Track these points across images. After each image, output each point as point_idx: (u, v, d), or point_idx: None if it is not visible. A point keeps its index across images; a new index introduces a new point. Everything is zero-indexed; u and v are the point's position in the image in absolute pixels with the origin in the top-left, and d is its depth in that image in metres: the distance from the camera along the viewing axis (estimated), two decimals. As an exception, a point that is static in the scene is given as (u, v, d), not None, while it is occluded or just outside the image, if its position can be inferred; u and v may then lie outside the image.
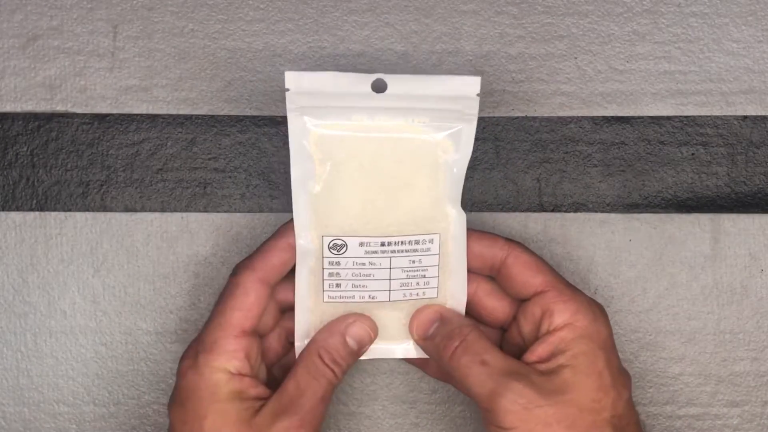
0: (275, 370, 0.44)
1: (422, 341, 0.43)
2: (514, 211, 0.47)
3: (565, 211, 0.47)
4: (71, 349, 0.47)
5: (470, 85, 0.40)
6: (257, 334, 0.42)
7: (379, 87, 0.40)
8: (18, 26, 0.47)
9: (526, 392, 0.38)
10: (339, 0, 0.47)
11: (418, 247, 0.42)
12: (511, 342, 0.43)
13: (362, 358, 0.43)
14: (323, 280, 0.42)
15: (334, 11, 0.47)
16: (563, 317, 0.40)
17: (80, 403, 0.47)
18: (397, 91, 0.40)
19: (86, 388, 0.47)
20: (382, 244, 0.42)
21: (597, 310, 0.41)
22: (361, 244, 0.42)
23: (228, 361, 0.40)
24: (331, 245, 0.42)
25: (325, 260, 0.42)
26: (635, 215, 0.47)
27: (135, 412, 0.47)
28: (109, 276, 0.47)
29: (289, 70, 0.39)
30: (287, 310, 0.44)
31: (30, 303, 0.47)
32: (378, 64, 0.47)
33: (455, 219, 0.42)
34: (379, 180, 0.41)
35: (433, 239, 0.42)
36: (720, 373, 0.47)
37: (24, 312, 0.47)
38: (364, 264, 0.42)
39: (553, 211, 0.47)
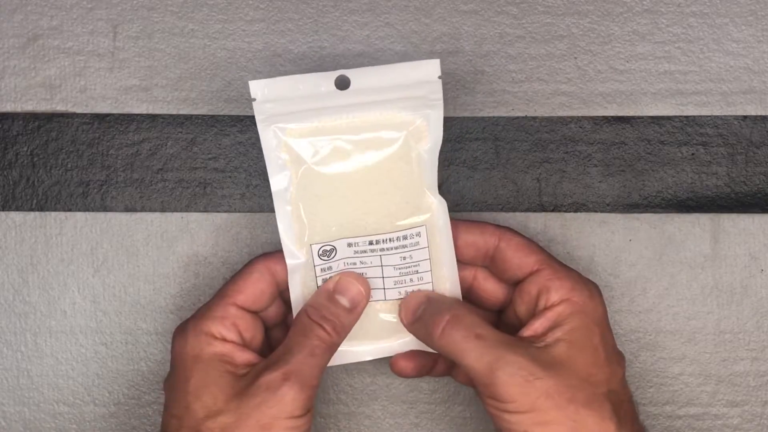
0: None
1: (411, 326, 0.43)
2: (514, 211, 0.47)
3: (565, 211, 0.47)
4: (71, 349, 0.47)
5: (431, 69, 0.40)
6: (256, 315, 0.42)
7: (343, 83, 0.40)
8: (18, 26, 0.47)
9: (525, 364, 0.38)
10: (339, 0, 0.47)
11: (407, 242, 0.42)
12: (506, 324, 0.43)
13: (366, 359, 0.43)
14: (317, 287, 0.42)
15: (334, 11, 0.47)
16: (559, 294, 0.40)
17: (80, 403, 0.47)
18: (361, 85, 0.40)
19: (86, 388, 0.47)
20: (371, 243, 0.42)
21: (593, 287, 0.41)
22: (350, 245, 0.42)
23: (213, 325, 0.40)
24: (320, 252, 0.42)
25: (317, 268, 0.42)
26: (635, 215, 0.47)
27: (135, 412, 0.47)
28: (109, 276, 0.47)
29: (254, 79, 0.39)
30: None
31: (30, 303, 0.47)
32: (378, 64, 0.46)
33: (437, 207, 0.42)
34: (356, 179, 0.41)
35: (420, 232, 0.42)
36: (720, 373, 0.47)
37: (24, 312, 0.47)
38: (354, 264, 0.42)
39: (553, 211, 0.47)
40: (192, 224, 0.47)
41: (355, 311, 0.42)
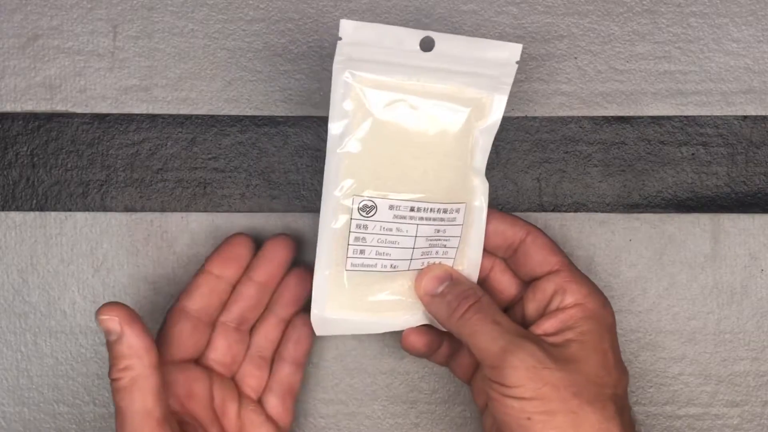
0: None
1: (428, 298, 0.42)
2: (514, 211, 0.47)
3: (565, 211, 0.47)
4: (71, 349, 0.47)
5: (512, 52, 0.41)
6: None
7: (426, 45, 0.41)
8: (18, 26, 0.47)
9: (537, 353, 0.38)
10: (339, 0, 0.47)
11: (445, 216, 0.42)
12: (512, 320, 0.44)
13: (380, 331, 0.43)
14: (348, 245, 0.41)
15: (334, 11, 0.47)
16: (575, 297, 0.41)
17: (80, 403, 0.47)
18: (443, 51, 0.41)
19: (86, 388, 0.47)
20: (411, 209, 0.41)
21: (605, 298, 0.42)
22: (391, 207, 0.41)
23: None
24: (361, 206, 0.41)
25: (353, 222, 0.41)
26: (635, 215, 0.47)
27: (135, 412, 0.47)
28: (109, 276, 0.47)
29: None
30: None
31: (30, 303, 0.47)
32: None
33: (480, 189, 0.42)
34: (413, 144, 0.41)
35: (459, 209, 0.42)
36: (720, 373, 0.47)
37: (24, 312, 0.47)
38: (391, 230, 0.41)
39: (553, 211, 0.47)
40: (192, 224, 0.47)
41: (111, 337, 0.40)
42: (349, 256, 0.41)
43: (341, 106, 0.40)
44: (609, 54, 0.47)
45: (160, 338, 0.43)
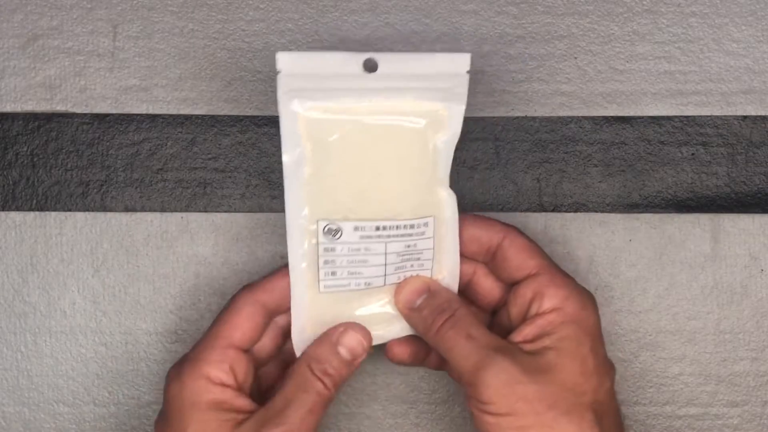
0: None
1: (408, 311, 0.42)
2: (514, 211, 0.47)
3: (565, 211, 0.47)
4: (71, 349, 0.47)
5: (460, 63, 0.40)
6: (249, 352, 0.42)
7: (371, 66, 0.40)
8: (18, 26, 0.47)
9: (509, 368, 0.38)
10: (339, 0, 0.47)
11: (413, 231, 0.42)
12: (499, 325, 0.43)
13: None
14: (319, 268, 0.41)
15: (334, 11, 0.47)
16: (553, 302, 0.40)
17: (80, 403, 0.47)
18: (388, 70, 0.40)
19: (86, 388, 0.47)
20: (377, 228, 0.41)
21: (586, 297, 0.41)
22: (356, 229, 0.41)
23: (210, 370, 0.40)
24: (326, 230, 0.41)
25: (320, 247, 0.41)
26: (635, 215, 0.47)
27: (135, 412, 0.47)
28: (109, 276, 0.47)
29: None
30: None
31: (30, 303, 0.47)
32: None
33: (447, 200, 0.42)
34: (370, 164, 0.41)
35: (427, 222, 0.42)
36: (720, 373, 0.47)
37: (24, 312, 0.47)
38: (359, 249, 0.41)
39: (553, 211, 0.47)
40: (192, 224, 0.47)
41: (353, 364, 0.41)
42: (320, 278, 0.42)
43: (292, 136, 0.40)
44: (609, 54, 0.47)
45: (233, 322, 0.41)
